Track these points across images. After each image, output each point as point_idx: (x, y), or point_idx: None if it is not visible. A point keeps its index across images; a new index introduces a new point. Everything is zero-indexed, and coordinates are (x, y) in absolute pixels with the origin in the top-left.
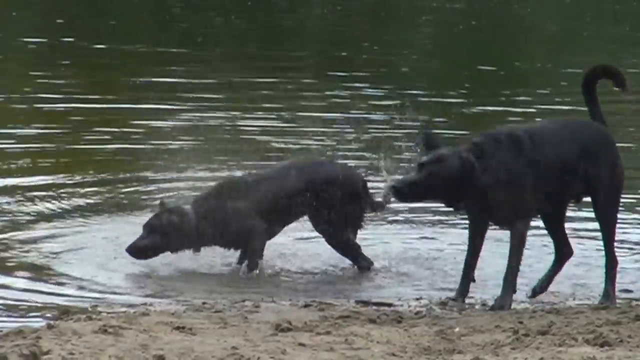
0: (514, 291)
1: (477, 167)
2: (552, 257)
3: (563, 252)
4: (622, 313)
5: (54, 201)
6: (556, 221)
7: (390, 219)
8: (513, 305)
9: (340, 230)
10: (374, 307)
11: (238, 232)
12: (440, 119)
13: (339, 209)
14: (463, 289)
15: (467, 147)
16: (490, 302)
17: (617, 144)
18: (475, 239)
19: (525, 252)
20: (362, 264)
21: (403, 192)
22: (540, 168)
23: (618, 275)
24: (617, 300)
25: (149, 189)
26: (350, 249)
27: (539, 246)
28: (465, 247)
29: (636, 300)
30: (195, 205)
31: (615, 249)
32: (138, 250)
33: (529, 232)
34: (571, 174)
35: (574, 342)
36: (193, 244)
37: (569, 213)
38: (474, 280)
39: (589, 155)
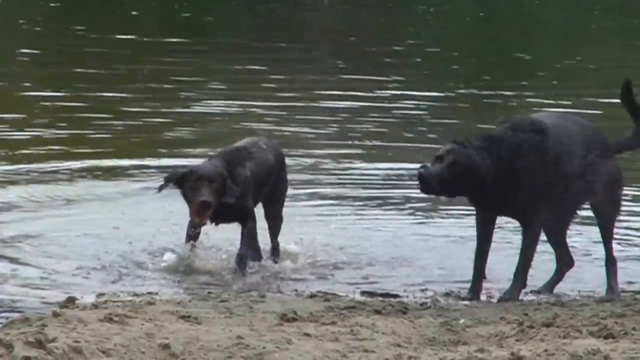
0: (524, 286)
1: (492, 173)
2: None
3: (564, 262)
4: (627, 305)
5: (60, 189)
6: (559, 232)
7: (396, 208)
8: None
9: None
10: (380, 298)
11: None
12: (449, 110)
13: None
14: (475, 286)
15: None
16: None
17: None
18: (483, 234)
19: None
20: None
21: (428, 181)
22: (561, 163)
23: (622, 267)
24: (621, 293)
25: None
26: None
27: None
28: (473, 238)
29: None
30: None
31: (621, 238)
32: None
33: None
34: (577, 169)
35: (578, 334)
36: None
37: None
38: (484, 277)
39: (590, 151)
